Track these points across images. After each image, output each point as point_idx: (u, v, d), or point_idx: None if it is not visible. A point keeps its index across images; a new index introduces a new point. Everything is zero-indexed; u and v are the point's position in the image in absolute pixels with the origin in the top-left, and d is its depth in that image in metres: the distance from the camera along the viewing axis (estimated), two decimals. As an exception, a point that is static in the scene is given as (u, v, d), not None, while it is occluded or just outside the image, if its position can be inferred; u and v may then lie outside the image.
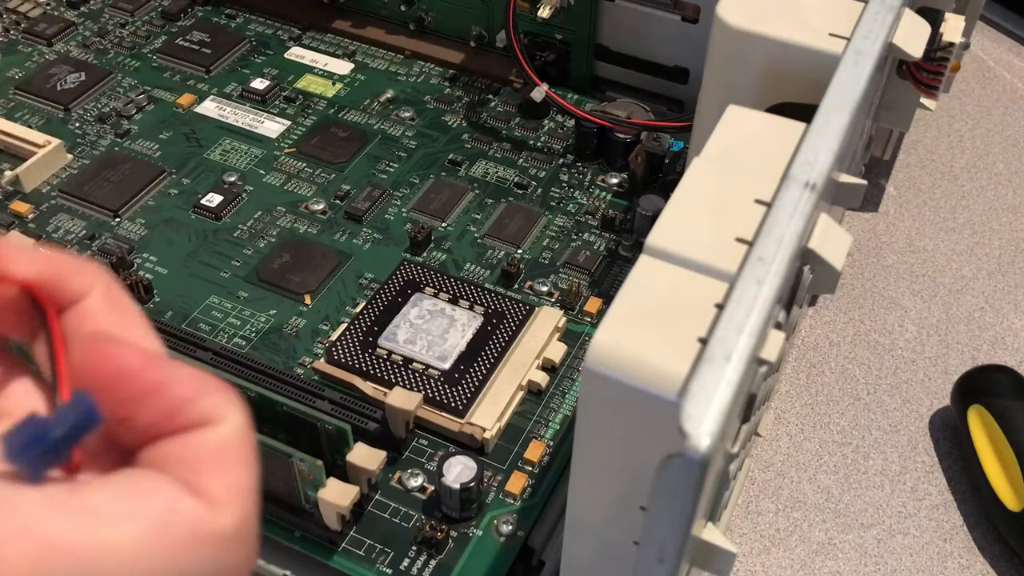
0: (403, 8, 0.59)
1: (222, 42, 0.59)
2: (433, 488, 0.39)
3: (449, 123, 0.55)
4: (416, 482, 0.39)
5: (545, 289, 0.46)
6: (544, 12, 0.54)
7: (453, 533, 0.38)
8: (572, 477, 0.27)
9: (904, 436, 0.48)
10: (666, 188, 0.50)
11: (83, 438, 0.17)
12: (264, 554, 0.37)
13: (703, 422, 0.21)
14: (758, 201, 0.26)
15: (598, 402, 0.25)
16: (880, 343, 0.52)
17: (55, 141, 0.51)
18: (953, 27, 0.38)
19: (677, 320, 0.24)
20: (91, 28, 0.61)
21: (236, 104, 0.56)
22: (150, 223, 0.49)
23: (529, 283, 0.47)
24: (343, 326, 0.43)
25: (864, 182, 0.31)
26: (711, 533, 0.26)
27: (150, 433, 0.18)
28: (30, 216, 0.49)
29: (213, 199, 0.50)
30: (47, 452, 0.17)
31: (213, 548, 0.18)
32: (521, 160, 0.53)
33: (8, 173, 0.50)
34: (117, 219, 0.49)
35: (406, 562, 0.37)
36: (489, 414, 0.40)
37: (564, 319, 0.44)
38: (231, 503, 0.18)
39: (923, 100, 0.39)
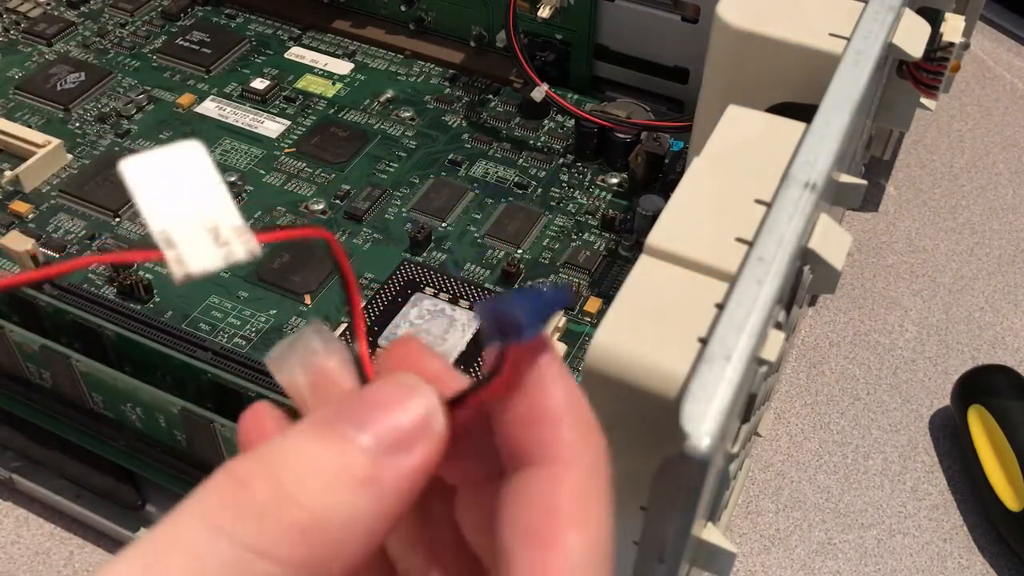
0: (403, 8, 0.59)
1: (222, 42, 0.59)
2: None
3: (449, 123, 0.55)
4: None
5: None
6: (544, 12, 0.54)
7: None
8: (572, 477, 0.27)
9: (904, 436, 0.48)
10: (666, 188, 0.50)
11: (556, 311, 0.18)
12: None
13: (703, 422, 0.21)
14: (758, 201, 0.26)
15: (598, 402, 0.25)
16: (880, 343, 0.52)
17: (55, 141, 0.51)
18: (953, 27, 0.38)
19: (677, 320, 0.24)
20: (91, 28, 0.61)
21: (236, 104, 0.56)
22: (150, 223, 0.49)
23: (529, 283, 0.47)
24: (343, 326, 0.43)
25: (864, 182, 0.31)
26: (711, 533, 0.26)
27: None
28: (30, 216, 0.49)
29: (213, 199, 0.50)
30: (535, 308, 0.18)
31: None
32: (521, 160, 0.53)
33: (8, 173, 0.50)
34: (117, 219, 0.49)
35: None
36: (489, 414, 0.40)
37: (564, 319, 0.44)
38: None
39: (923, 100, 0.39)
